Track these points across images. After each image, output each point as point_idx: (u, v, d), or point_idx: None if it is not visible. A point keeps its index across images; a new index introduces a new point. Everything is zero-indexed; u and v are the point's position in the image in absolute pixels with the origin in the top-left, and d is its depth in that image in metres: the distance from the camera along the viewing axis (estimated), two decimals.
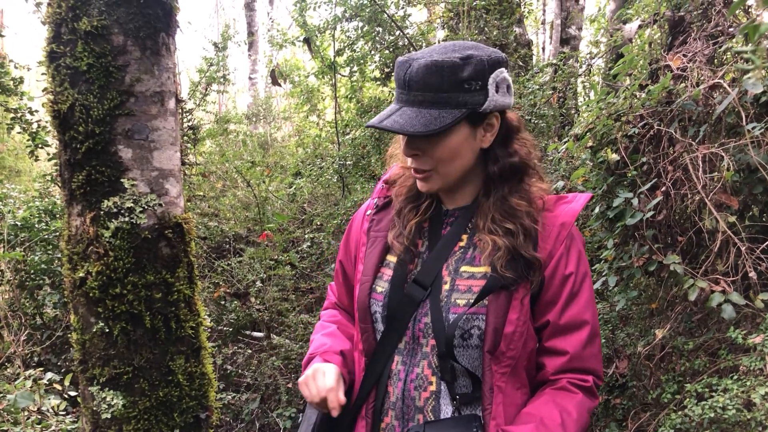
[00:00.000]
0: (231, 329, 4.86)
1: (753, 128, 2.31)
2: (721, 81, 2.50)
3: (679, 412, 2.08)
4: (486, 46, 1.44)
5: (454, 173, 1.42)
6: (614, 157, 2.59)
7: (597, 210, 2.68)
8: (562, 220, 1.45)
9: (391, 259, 1.53)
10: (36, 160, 4.80)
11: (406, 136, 1.39)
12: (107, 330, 1.56)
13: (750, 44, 0.96)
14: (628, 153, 2.63)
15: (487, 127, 1.42)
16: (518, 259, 1.39)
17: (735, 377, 2.07)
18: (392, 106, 1.41)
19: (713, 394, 2.03)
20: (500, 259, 1.38)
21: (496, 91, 1.38)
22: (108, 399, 1.59)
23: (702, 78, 2.62)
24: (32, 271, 4.63)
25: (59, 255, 4.52)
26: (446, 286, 1.44)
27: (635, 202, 2.48)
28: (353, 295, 1.64)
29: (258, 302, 5.04)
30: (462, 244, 1.48)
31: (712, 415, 1.94)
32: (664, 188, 2.49)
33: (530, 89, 4.63)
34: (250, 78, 13.27)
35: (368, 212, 1.63)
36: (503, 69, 1.41)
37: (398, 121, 1.34)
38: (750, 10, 2.87)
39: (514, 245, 1.39)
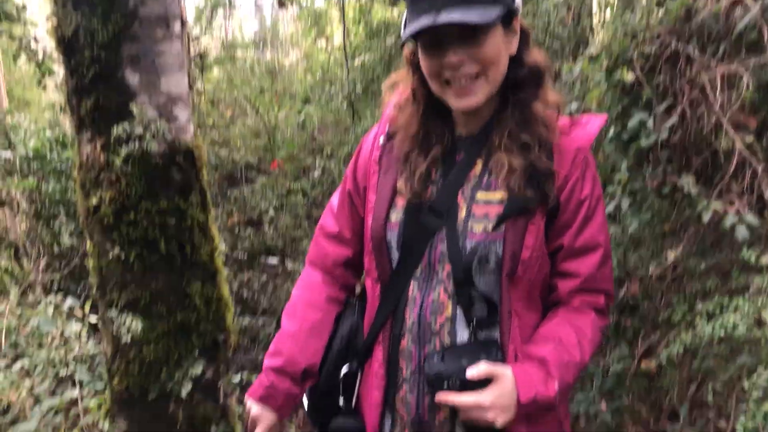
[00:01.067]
0: (246, 256, 4.92)
1: None
2: None
3: (689, 331, 2.10)
4: None
5: (498, 79, 1.39)
6: (630, 77, 2.53)
7: (611, 132, 2.64)
8: (577, 144, 1.44)
9: (405, 191, 1.51)
10: (44, 89, 4.77)
11: (467, 26, 1.31)
12: (123, 256, 1.58)
13: None
14: (644, 73, 2.56)
15: (513, 32, 1.40)
16: (534, 177, 1.38)
17: (746, 296, 2.08)
18: (423, 15, 1.32)
19: (724, 313, 2.05)
20: (517, 180, 1.37)
21: None
22: (127, 323, 1.63)
23: None
24: (47, 201, 4.67)
25: (72, 185, 4.55)
26: (462, 213, 1.43)
27: (650, 123, 2.43)
28: (364, 225, 1.62)
29: (272, 230, 5.08)
30: (477, 169, 1.47)
31: (722, 333, 1.96)
32: (680, 109, 2.44)
33: (544, 8, 4.49)
34: (257, 3, 12.96)
35: (379, 140, 1.60)
36: None
37: (449, 17, 1.28)
38: None
39: (531, 161, 1.37)
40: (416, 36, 1.36)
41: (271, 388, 1.54)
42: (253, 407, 1.55)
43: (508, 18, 1.37)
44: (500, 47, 1.37)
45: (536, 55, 1.45)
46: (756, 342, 1.97)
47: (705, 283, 2.44)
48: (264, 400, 1.54)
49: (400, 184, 1.49)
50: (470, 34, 1.32)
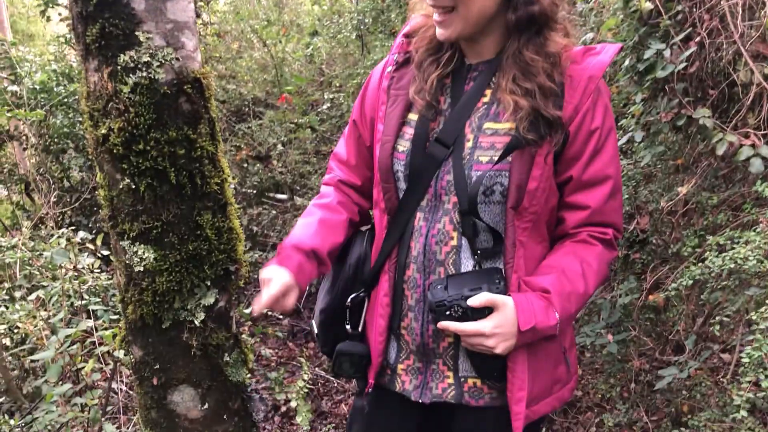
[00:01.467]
0: (255, 191, 4.93)
1: None
2: None
3: (699, 264, 2.11)
4: None
5: (474, 16, 1.35)
6: (647, 5, 2.46)
7: (626, 63, 2.58)
8: (590, 73, 1.40)
9: (413, 117, 1.50)
10: (48, 21, 4.69)
11: None
12: (133, 186, 1.58)
13: None
14: (662, 1, 2.49)
15: None
16: (540, 120, 1.35)
17: (757, 230, 2.07)
18: None
19: (734, 246, 2.04)
20: (523, 120, 1.35)
21: None
22: (139, 252, 1.64)
23: None
24: (55, 135, 4.67)
25: (80, 119, 4.53)
26: (469, 144, 1.42)
27: (667, 53, 2.37)
28: (372, 155, 1.62)
29: (280, 165, 5.07)
30: (485, 99, 1.45)
31: (732, 266, 1.96)
32: (698, 39, 2.38)
33: None
34: None
35: (388, 69, 1.58)
36: None
37: None
38: None
39: (534, 106, 1.35)
40: None
41: (284, 257, 1.54)
42: (265, 272, 1.53)
43: None
44: None
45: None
46: (765, 275, 1.97)
47: (716, 217, 2.43)
48: (278, 263, 1.54)
49: (413, 91, 1.48)
50: None
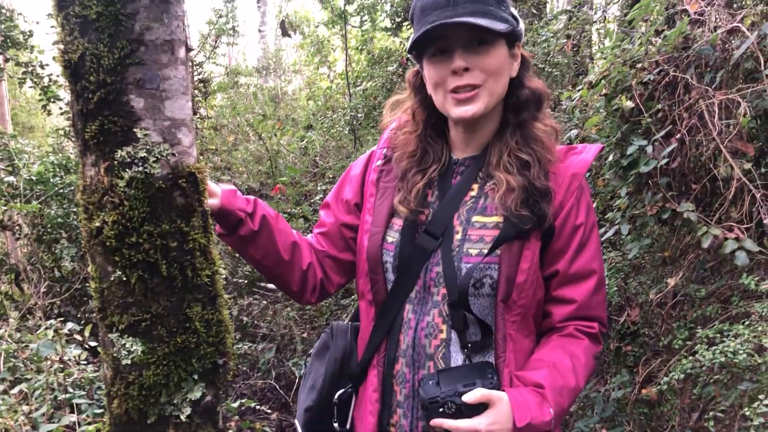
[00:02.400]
0: (246, 281, 4.92)
1: None
2: (740, 25, 2.45)
3: (690, 358, 2.10)
4: None
5: (498, 93, 1.43)
6: (629, 104, 2.56)
7: (611, 158, 2.66)
8: (573, 170, 1.46)
9: (402, 209, 1.53)
10: (48, 114, 4.81)
11: (474, 36, 1.37)
12: (124, 278, 1.58)
13: None
14: (643, 100, 2.59)
15: (515, 56, 1.45)
16: (532, 197, 1.40)
17: (746, 323, 2.08)
18: (433, 24, 1.36)
19: (724, 339, 2.05)
20: (514, 199, 1.39)
21: (517, 21, 1.43)
22: (128, 345, 1.62)
23: (720, 22, 2.56)
24: (49, 225, 4.69)
25: (75, 209, 4.57)
26: (458, 236, 1.45)
27: (649, 149, 2.46)
28: (342, 233, 1.63)
29: None
30: (473, 193, 1.49)
31: (723, 359, 1.96)
32: (678, 135, 2.46)
33: (544, 37, 4.55)
34: (260, 30, 13.10)
35: (377, 162, 1.62)
36: None
37: (462, 19, 1.33)
38: None
39: (529, 180, 1.40)
40: (424, 46, 1.41)
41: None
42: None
43: (511, 40, 1.42)
44: (503, 63, 1.41)
45: (536, 82, 1.51)
46: (756, 369, 1.96)
47: (705, 309, 2.44)
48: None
49: (397, 201, 1.51)
50: (476, 44, 1.38)
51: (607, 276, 2.88)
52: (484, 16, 1.35)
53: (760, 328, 1.99)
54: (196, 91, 5.45)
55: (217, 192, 1.47)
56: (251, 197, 1.54)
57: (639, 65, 2.67)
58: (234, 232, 1.50)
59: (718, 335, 2.12)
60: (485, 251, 1.40)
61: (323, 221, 1.68)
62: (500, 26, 1.35)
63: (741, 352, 1.93)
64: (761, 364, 1.92)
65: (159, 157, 1.55)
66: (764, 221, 2.20)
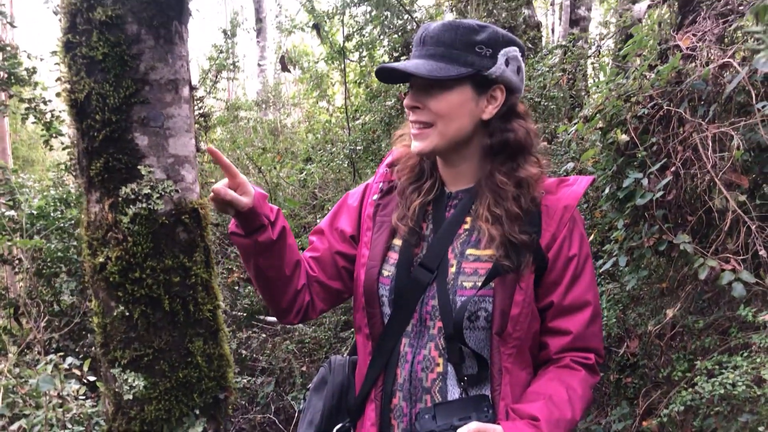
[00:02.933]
0: (245, 314, 4.91)
1: (763, 107, 2.30)
2: (731, 60, 2.50)
3: (690, 390, 2.10)
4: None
5: (450, 135, 1.44)
6: (624, 137, 2.60)
7: (607, 191, 2.69)
8: (565, 203, 1.48)
9: (397, 242, 1.55)
10: (50, 149, 4.85)
11: (413, 80, 1.42)
12: (127, 313, 1.61)
13: (760, 24, 0.97)
14: (637, 133, 2.63)
15: (491, 99, 1.45)
16: (511, 247, 1.41)
17: (745, 354, 2.09)
18: (383, 66, 1.45)
19: (723, 371, 2.05)
20: (498, 248, 1.41)
21: (506, 65, 1.43)
22: (129, 380, 1.63)
23: (711, 57, 2.61)
24: (49, 259, 4.69)
25: (75, 243, 4.58)
26: (452, 269, 1.47)
27: (645, 182, 2.49)
28: (336, 261, 1.64)
29: None
30: (466, 226, 1.51)
31: (722, 391, 1.96)
32: (673, 168, 2.50)
33: (539, 71, 4.62)
34: (259, 65, 13.25)
35: (374, 197, 1.65)
36: (517, 49, 1.46)
37: (406, 64, 1.40)
38: None
39: (504, 232, 1.42)
40: (401, 81, 1.50)
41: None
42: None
43: (484, 83, 1.43)
44: (458, 106, 1.42)
45: (520, 129, 1.48)
46: (756, 400, 1.97)
47: (704, 341, 2.45)
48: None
49: (395, 217, 1.53)
50: (428, 85, 1.40)
51: (606, 307, 2.89)
52: (441, 60, 1.39)
53: (758, 360, 2.00)
54: (197, 125, 5.50)
55: (250, 191, 1.44)
56: (275, 206, 1.55)
57: (633, 99, 2.71)
58: (251, 236, 1.48)
59: (717, 367, 2.13)
60: (479, 284, 1.42)
61: (316, 246, 1.67)
62: (451, 72, 1.37)
63: (740, 383, 1.93)
64: (760, 396, 1.92)
65: (163, 193, 1.58)
66: (760, 252, 2.22)
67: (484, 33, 1.41)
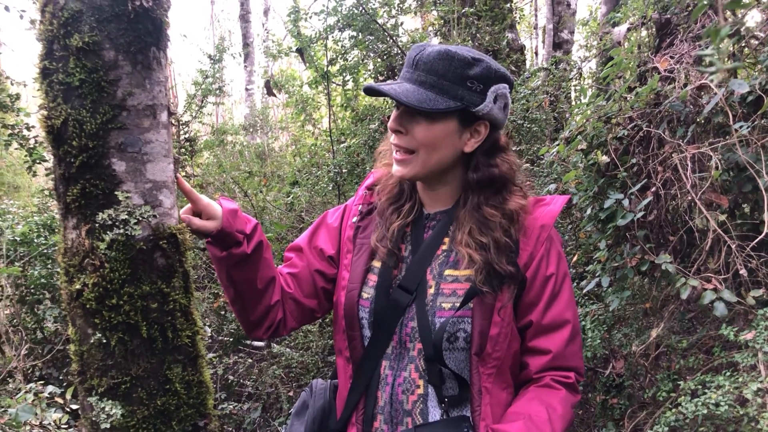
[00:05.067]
0: (231, 339, 4.87)
1: (740, 127, 2.33)
2: (708, 82, 2.53)
3: (674, 410, 2.10)
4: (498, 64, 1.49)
5: (431, 164, 1.45)
6: (604, 159, 2.62)
7: (589, 211, 2.71)
8: (541, 222, 1.49)
9: (377, 264, 1.55)
10: (34, 175, 4.83)
11: (400, 104, 1.42)
12: (104, 341, 1.59)
13: (711, 47, 0.98)
14: (618, 155, 2.66)
15: (474, 133, 1.46)
16: (493, 274, 1.42)
17: (728, 374, 2.09)
18: (393, 81, 1.44)
19: (707, 391, 2.05)
20: (478, 272, 1.41)
21: (494, 102, 1.43)
22: (107, 409, 1.61)
23: (689, 79, 2.65)
24: (32, 286, 4.65)
25: (58, 269, 4.54)
26: (431, 290, 1.47)
27: (626, 203, 2.50)
28: (315, 280, 1.63)
29: None
30: (444, 247, 1.52)
31: (706, 411, 1.96)
32: (654, 189, 2.52)
33: (523, 94, 4.66)
34: (247, 89, 13.30)
35: (353, 219, 1.65)
36: (507, 86, 1.46)
37: (396, 89, 1.38)
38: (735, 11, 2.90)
39: (488, 260, 1.42)
40: (373, 96, 1.48)
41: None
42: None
43: (468, 118, 1.44)
44: (442, 138, 1.43)
45: (501, 162, 1.49)
46: (739, 420, 1.97)
47: (688, 360, 2.45)
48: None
49: (375, 239, 1.53)
50: (413, 111, 1.41)
51: (590, 328, 2.89)
52: (431, 89, 1.39)
53: (741, 379, 2.00)
54: (183, 150, 5.50)
55: (216, 213, 1.46)
56: (253, 219, 1.54)
57: (614, 121, 2.74)
58: (227, 249, 1.48)
59: (701, 387, 2.13)
60: (458, 305, 1.42)
61: (294, 263, 1.66)
62: (440, 105, 1.37)
63: (723, 403, 1.93)
64: (743, 415, 1.92)
65: (140, 219, 1.57)
66: (740, 272, 2.24)
67: (477, 68, 1.41)
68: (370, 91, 1.44)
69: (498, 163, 1.49)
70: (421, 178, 1.49)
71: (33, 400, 2.93)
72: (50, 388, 2.99)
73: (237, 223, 1.48)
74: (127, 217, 1.54)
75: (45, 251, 4.56)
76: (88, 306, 1.55)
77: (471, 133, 1.46)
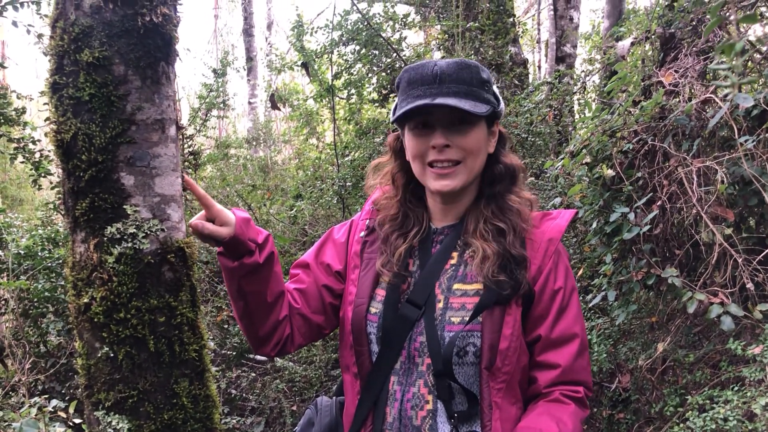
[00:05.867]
0: (234, 353, 4.86)
1: (746, 141, 2.34)
2: (713, 96, 2.54)
3: (682, 425, 2.09)
4: None
5: (476, 170, 1.49)
6: (610, 172, 2.62)
7: (595, 225, 2.71)
8: (549, 236, 1.50)
9: (385, 279, 1.54)
10: (39, 189, 4.84)
11: (455, 115, 1.42)
12: (112, 354, 1.59)
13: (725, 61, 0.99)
14: (623, 168, 2.66)
15: (493, 134, 1.50)
16: (508, 263, 1.42)
17: (736, 388, 2.08)
18: (419, 99, 1.41)
19: (715, 405, 2.04)
20: (491, 266, 1.42)
21: (497, 100, 1.49)
22: (114, 423, 1.61)
23: (694, 93, 2.65)
24: (36, 300, 4.65)
25: (62, 282, 4.54)
26: (440, 305, 1.46)
27: (632, 216, 2.50)
28: (323, 297, 1.62)
29: None
30: (453, 261, 1.51)
31: (714, 426, 1.95)
32: (659, 202, 2.52)
33: (526, 107, 4.67)
34: (250, 102, 13.36)
35: (360, 234, 1.64)
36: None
37: (447, 101, 1.38)
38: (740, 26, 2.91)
39: (505, 247, 1.43)
40: (406, 119, 1.45)
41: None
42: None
43: (491, 119, 1.48)
44: (482, 142, 1.46)
45: (512, 158, 1.56)
46: None
47: (695, 375, 2.44)
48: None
49: (380, 264, 1.52)
50: (458, 123, 1.42)
51: (596, 342, 2.88)
52: (467, 98, 1.40)
53: (749, 394, 1.99)
54: (186, 163, 5.51)
55: (230, 220, 1.43)
56: (264, 231, 1.53)
57: (618, 134, 2.75)
58: (239, 259, 1.46)
59: (709, 401, 2.11)
60: (467, 319, 1.42)
61: (301, 278, 1.65)
62: (482, 109, 1.41)
63: (732, 418, 1.92)
64: (752, 431, 1.91)
65: (148, 232, 1.58)
66: (747, 285, 2.23)
67: (484, 72, 1.47)
68: (411, 114, 1.42)
69: (511, 156, 1.56)
70: (465, 187, 1.50)
71: (36, 414, 2.92)
72: (54, 402, 2.99)
73: (250, 231, 1.46)
74: (135, 230, 1.55)
75: (49, 265, 4.57)
76: (95, 320, 1.55)
77: (492, 133, 1.50)
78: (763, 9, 2.76)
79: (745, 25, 2.63)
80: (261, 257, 1.47)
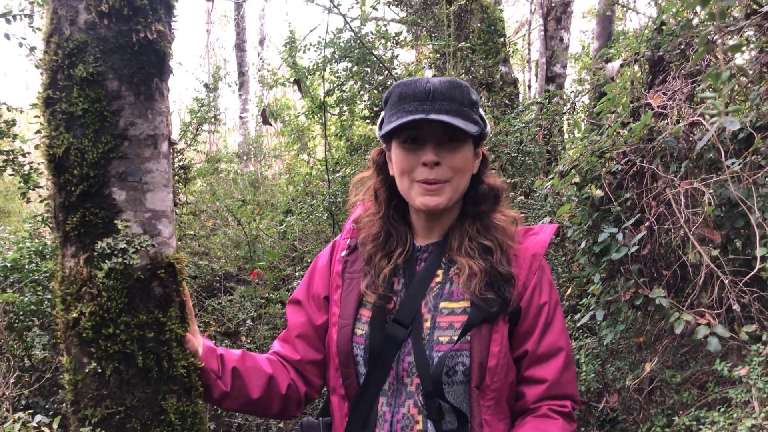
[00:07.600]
0: None
1: (732, 164, 2.37)
2: (701, 118, 2.57)
3: None
4: None
5: (462, 189, 1.50)
6: (598, 193, 2.65)
7: (583, 245, 2.72)
8: (533, 251, 1.51)
9: (369, 299, 1.53)
10: (27, 201, 4.81)
11: (446, 133, 1.44)
12: (100, 370, 1.57)
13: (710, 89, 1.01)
14: (612, 189, 2.68)
15: (477, 154, 1.52)
16: (495, 280, 1.43)
17: (722, 409, 2.09)
18: (411, 114, 1.42)
19: (701, 427, 2.05)
20: (478, 283, 1.43)
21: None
22: None
23: (682, 115, 2.69)
24: (21, 313, 4.60)
25: (49, 296, 4.50)
26: (427, 324, 1.46)
27: (620, 237, 2.52)
28: (318, 334, 1.63)
29: (248, 341, 5.02)
30: (438, 279, 1.52)
31: None
32: (647, 223, 2.54)
33: (516, 127, 4.71)
34: (241, 117, 13.38)
35: (342, 253, 1.64)
36: None
37: (442, 117, 1.40)
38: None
39: (491, 263, 1.44)
40: (396, 133, 1.45)
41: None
42: None
43: (477, 140, 1.50)
44: (469, 161, 1.48)
45: (494, 179, 1.59)
46: None
47: (682, 395, 2.45)
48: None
49: (364, 286, 1.52)
50: (447, 140, 1.43)
51: (584, 362, 2.88)
52: (459, 116, 1.42)
53: (735, 415, 2.00)
54: (176, 177, 5.50)
55: (197, 350, 1.54)
56: (217, 349, 1.60)
57: (607, 155, 2.78)
58: (208, 393, 1.56)
59: (695, 422, 2.12)
60: (455, 338, 1.42)
61: (294, 323, 1.66)
62: (473, 128, 1.42)
63: None
64: None
65: (139, 248, 1.57)
66: (733, 307, 2.25)
67: (473, 94, 1.50)
68: (402, 128, 1.44)
69: (493, 177, 1.59)
70: (450, 205, 1.50)
71: (20, 430, 2.89)
72: (38, 418, 2.95)
73: (212, 362, 1.55)
74: (125, 246, 1.54)
75: (36, 278, 4.53)
76: (84, 335, 1.54)
77: (476, 154, 1.52)
78: (749, 33, 2.81)
79: None
80: (227, 384, 1.55)
